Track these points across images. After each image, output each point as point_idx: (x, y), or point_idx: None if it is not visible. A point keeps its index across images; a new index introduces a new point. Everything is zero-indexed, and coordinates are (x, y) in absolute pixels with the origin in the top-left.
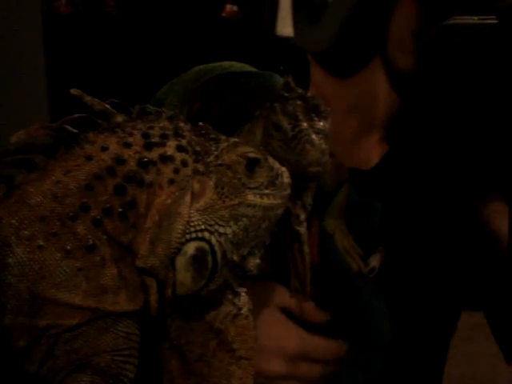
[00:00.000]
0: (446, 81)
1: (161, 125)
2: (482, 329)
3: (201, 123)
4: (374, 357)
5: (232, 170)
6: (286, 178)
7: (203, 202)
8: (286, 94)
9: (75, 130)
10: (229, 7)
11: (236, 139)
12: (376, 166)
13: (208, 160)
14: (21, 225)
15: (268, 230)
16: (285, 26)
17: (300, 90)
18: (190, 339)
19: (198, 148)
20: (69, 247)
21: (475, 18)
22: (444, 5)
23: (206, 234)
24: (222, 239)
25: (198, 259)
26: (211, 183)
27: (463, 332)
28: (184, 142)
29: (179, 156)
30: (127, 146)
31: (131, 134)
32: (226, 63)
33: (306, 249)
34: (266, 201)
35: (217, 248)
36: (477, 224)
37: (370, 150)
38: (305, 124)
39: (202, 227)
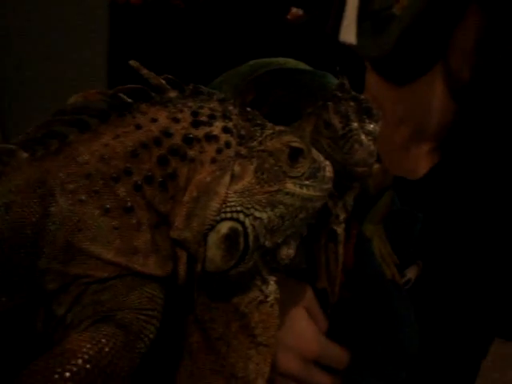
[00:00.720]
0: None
1: (211, 105)
2: None
3: (249, 109)
4: (397, 369)
5: (274, 157)
6: (329, 172)
7: (242, 184)
8: (340, 94)
9: (129, 100)
10: (294, 10)
11: (282, 127)
12: (424, 176)
13: (251, 145)
14: (67, 178)
15: (305, 221)
16: (349, 34)
17: (353, 92)
18: (214, 317)
19: (243, 132)
20: (108, 206)
21: None
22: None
23: (241, 216)
24: (257, 223)
25: (230, 238)
26: (252, 167)
27: (495, 360)
28: (230, 125)
29: (224, 137)
30: (176, 120)
31: (181, 111)
32: (281, 59)
33: (341, 249)
34: (305, 191)
35: (250, 231)
36: None
37: (420, 159)
38: (355, 124)
39: (238, 209)
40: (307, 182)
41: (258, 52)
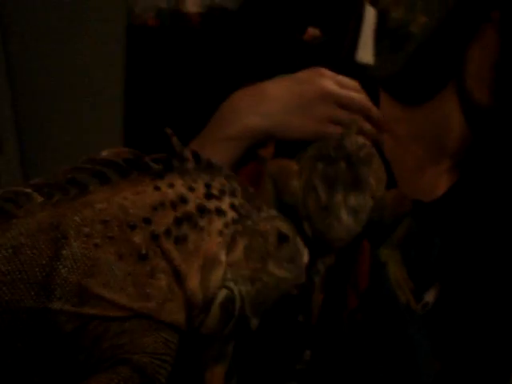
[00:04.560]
0: None
1: (220, 180)
2: None
3: (251, 189)
4: None
5: (264, 238)
6: (305, 259)
7: (232, 257)
8: (333, 155)
9: (153, 164)
10: (311, 30)
11: (274, 213)
12: (441, 196)
13: (247, 224)
14: (82, 222)
15: (274, 301)
16: (365, 53)
17: (349, 149)
18: None
19: (242, 211)
20: (123, 252)
21: None
22: None
23: (232, 284)
24: (243, 293)
25: (224, 306)
26: (243, 244)
27: None
28: (236, 202)
29: (230, 213)
30: (191, 189)
31: (195, 181)
32: None
33: (316, 297)
34: (282, 273)
35: (237, 299)
36: None
37: (437, 179)
38: (339, 197)
39: (228, 276)
40: (285, 265)
41: (276, 72)
